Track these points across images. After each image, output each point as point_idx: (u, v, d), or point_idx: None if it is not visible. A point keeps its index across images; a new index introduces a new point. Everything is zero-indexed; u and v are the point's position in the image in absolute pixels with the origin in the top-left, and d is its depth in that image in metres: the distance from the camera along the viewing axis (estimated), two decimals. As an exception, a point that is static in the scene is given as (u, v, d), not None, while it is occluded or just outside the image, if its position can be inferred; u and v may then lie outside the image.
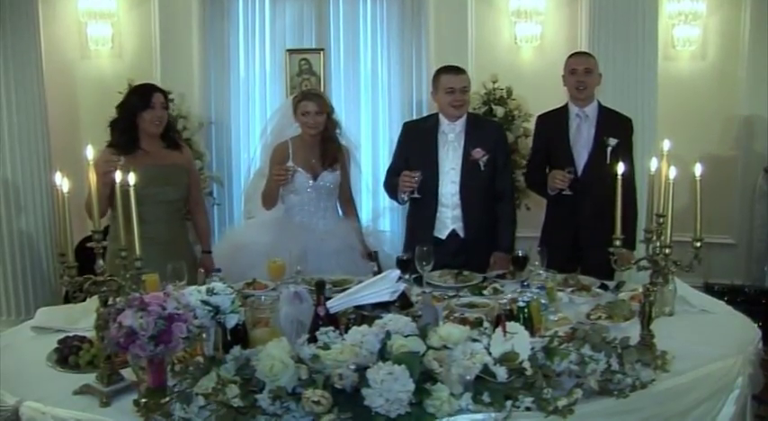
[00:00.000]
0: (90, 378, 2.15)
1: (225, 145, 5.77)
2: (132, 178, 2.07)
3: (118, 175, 2.16)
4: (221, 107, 5.72)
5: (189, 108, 5.38)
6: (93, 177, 2.04)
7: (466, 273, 3.37)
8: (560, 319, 2.69)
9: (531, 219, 4.51)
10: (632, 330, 2.37)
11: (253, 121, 5.74)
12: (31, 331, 2.70)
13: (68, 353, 2.35)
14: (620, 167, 2.26)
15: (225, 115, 5.73)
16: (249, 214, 4.27)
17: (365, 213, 4.77)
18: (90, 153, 2.06)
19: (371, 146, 5.81)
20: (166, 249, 3.37)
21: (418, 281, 3.13)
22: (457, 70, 3.70)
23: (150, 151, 3.49)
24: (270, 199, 3.82)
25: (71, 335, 2.47)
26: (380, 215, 5.05)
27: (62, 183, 2.02)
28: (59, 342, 2.42)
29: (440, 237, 3.73)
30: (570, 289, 3.08)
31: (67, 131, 5.23)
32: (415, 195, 3.63)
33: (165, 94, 3.58)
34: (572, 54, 3.87)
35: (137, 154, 3.43)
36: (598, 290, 3.08)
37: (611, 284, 3.20)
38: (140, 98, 3.46)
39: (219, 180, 5.61)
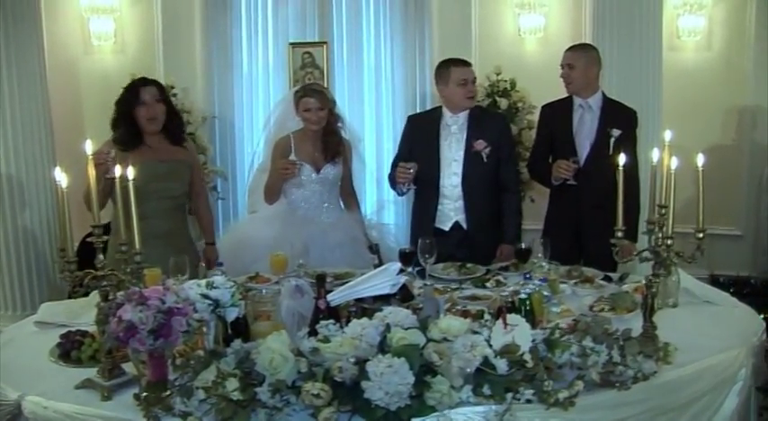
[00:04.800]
0: (92, 372, 2.15)
1: (228, 139, 5.77)
2: (131, 173, 2.06)
3: (117, 170, 2.14)
4: (224, 101, 5.72)
5: (192, 102, 5.38)
6: (91, 171, 2.04)
7: (469, 265, 3.37)
8: (563, 311, 2.68)
9: (535, 212, 4.50)
10: (635, 322, 2.36)
11: (256, 115, 5.73)
12: (34, 326, 2.71)
13: (70, 348, 2.36)
14: (622, 158, 2.25)
15: (228, 109, 5.73)
16: (252, 208, 4.26)
17: (368, 206, 4.75)
18: (89, 148, 2.06)
19: (375, 139, 5.80)
20: (167, 244, 3.36)
21: (422, 273, 3.12)
22: (466, 63, 3.72)
23: (154, 147, 3.48)
24: (272, 193, 3.82)
25: (73, 329, 2.47)
26: (384, 207, 5.04)
27: (61, 178, 2.01)
28: (61, 337, 2.42)
29: (443, 228, 3.74)
30: (573, 281, 3.07)
31: (71, 127, 5.23)
32: (411, 187, 3.65)
33: (158, 86, 3.51)
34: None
35: (141, 149, 3.42)
36: (601, 282, 3.06)
37: (615, 276, 3.19)
38: (130, 94, 3.42)
39: (223, 174, 5.62)
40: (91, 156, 2.06)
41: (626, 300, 2.71)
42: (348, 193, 3.97)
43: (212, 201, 5.40)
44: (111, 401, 2.03)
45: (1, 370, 2.25)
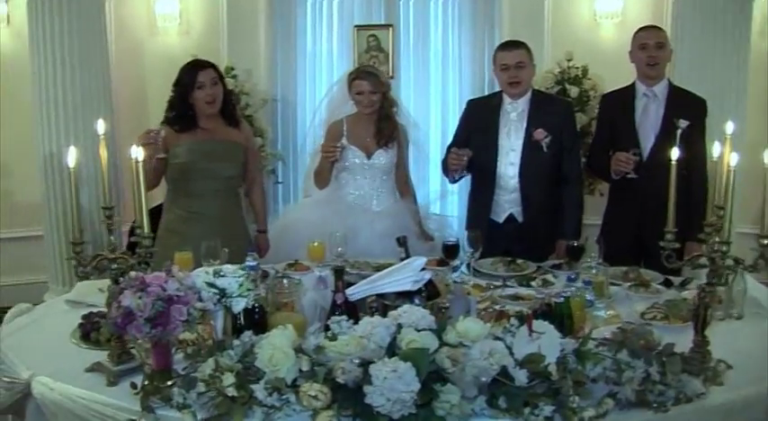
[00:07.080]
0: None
1: (290, 122, 5.70)
2: (141, 154, 1.99)
3: (134, 151, 2.06)
4: (287, 84, 5.63)
5: (254, 84, 5.33)
6: (102, 151, 1.98)
7: (520, 261, 3.17)
8: (611, 317, 2.46)
9: (603, 206, 4.21)
10: (689, 333, 2.12)
11: (319, 99, 5.63)
12: (65, 305, 2.71)
13: (90, 329, 2.33)
14: (675, 152, 2.01)
15: (290, 92, 5.65)
16: (307, 193, 4.19)
17: (432, 195, 4.58)
18: (101, 128, 2.02)
19: (441, 125, 5.62)
20: (216, 225, 3.36)
21: (469, 267, 2.97)
22: (511, 45, 3.52)
23: (208, 128, 3.46)
24: (321, 177, 3.73)
25: (95, 310, 2.44)
26: (446, 197, 4.86)
27: (71, 158, 1.98)
28: (83, 317, 2.40)
29: (497, 220, 3.56)
30: (629, 283, 2.83)
31: (136, 108, 5.29)
32: (464, 174, 3.52)
33: (215, 68, 3.48)
34: (641, 28, 3.59)
35: (196, 131, 3.41)
36: (659, 286, 2.81)
37: (677, 280, 2.92)
38: (187, 77, 3.38)
39: (282, 158, 5.55)
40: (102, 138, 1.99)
41: (682, 309, 2.47)
42: (402, 181, 3.83)
43: (271, 186, 5.37)
44: (117, 387, 1.97)
45: (20, 348, 2.24)
